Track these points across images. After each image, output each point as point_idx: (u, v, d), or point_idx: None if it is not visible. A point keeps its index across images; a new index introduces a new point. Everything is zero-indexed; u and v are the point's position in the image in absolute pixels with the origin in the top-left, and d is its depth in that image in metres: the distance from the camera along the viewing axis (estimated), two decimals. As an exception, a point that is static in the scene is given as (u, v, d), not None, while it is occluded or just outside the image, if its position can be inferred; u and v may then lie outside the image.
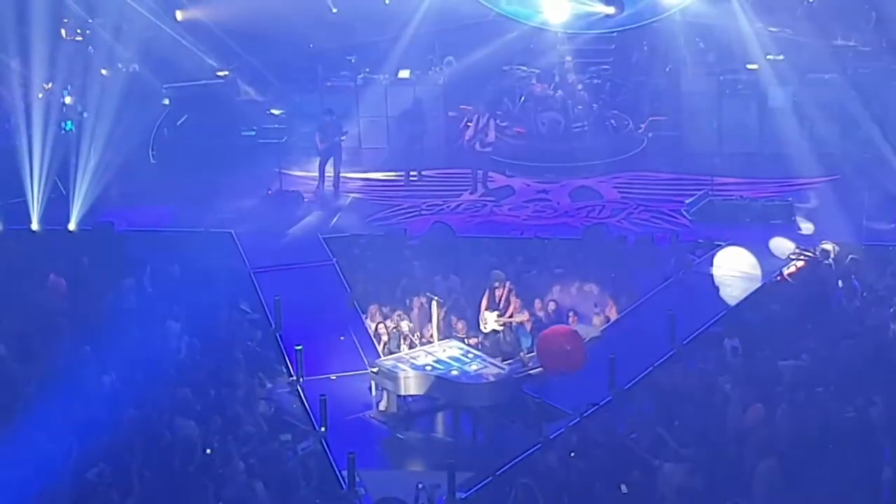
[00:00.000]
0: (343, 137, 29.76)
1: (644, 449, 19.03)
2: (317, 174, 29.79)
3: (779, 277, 24.55)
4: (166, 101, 31.63)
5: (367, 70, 32.30)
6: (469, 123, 30.13)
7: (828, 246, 24.95)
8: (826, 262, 24.41)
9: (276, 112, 31.85)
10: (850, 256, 24.26)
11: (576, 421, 20.48)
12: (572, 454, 18.96)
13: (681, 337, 22.77)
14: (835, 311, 22.72)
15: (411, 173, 30.36)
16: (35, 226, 27.66)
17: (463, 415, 21.34)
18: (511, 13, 32.00)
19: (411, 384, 21.13)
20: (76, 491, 18.52)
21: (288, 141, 31.53)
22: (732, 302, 23.90)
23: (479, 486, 19.48)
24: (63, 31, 32.03)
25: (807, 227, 26.46)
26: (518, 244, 26.64)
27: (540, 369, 21.65)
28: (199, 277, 24.45)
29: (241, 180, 29.62)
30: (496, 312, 23.19)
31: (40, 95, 30.63)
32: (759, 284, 24.39)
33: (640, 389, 21.55)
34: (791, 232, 26.61)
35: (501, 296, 23.36)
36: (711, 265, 25.38)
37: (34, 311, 23.51)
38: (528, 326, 23.26)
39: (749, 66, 30.90)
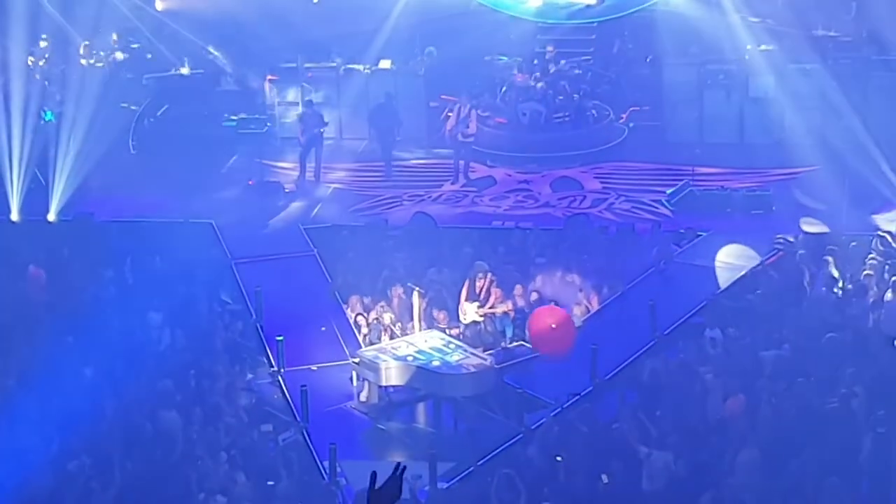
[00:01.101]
0: (324, 129, 29.74)
1: (627, 438, 19.04)
2: (298, 165, 29.77)
3: (760, 267, 24.57)
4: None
5: (349, 60, 32.24)
6: (450, 114, 30.11)
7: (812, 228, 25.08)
8: (802, 251, 24.44)
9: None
10: (829, 246, 24.31)
11: (557, 411, 20.50)
12: (559, 458, 18.90)
13: (662, 327, 22.80)
14: (815, 301, 22.75)
15: (391, 161, 30.27)
16: (14, 216, 27.56)
17: (444, 405, 21.36)
18: (492, 3, 31.97)
19: (392, 375, 21.11)
20: (57, 483, 18.50)
21: (269, 131, 31.46)
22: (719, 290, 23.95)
23: (460, 476, 19.51)
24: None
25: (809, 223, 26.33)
26: (499, 234, 26.62)
27: (521, 360, 21.66)
28: (179, 268, 24.40)
29: (222, 171, 29.56)
30: (476, 303, 23.19)
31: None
32: (741, 274, 24.41)
33: (621, 379, 21.58)
34: (771, 222, 26.67)
35: (483, 287, 23.37)
36: (693, 255, 25.42)
37: (13, 302, 23.43)
38: (511, 316, 23.26)
39: (744, 54, 30.87)
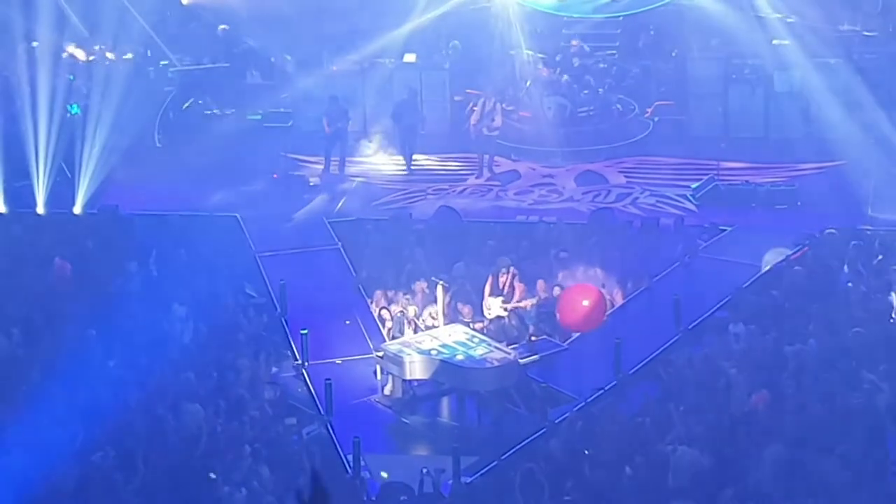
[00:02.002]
0: (349, 123, 29.77)
1: (651, 433, 19.02)
2: (322, 158, 29.83)
3: (785, 262, 24.49)
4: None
5: (374, 54, 32.21)
6: (474, 108, 30.07)
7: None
8: (827, 246, 24.37)
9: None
10: (854, 242, 24.25)
11: (581, 405, 20.49)
12: (587, 451, 18.90)
13: (686, 322, 22.76)
14: (841, 296, 22.68)
15: (413, 158, 30.17)
16: (41, 209, 27.66)
17: (468, 399, 21.37)
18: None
19: (417, 368, 21.13)
20: (81, 474, 18.55)
21: (294, 125, 31.48)
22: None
23: (483, 470, 19.51)
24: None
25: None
26: (523, 229, 26.61)
27: (545, 354, 21.65)
28: (204, 261, 24.46)
29: (247, 164, 29.60)
30: (500, 298, 23.18)
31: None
32: (766, 269, 24.33)
33: (645, 374, 21.56)
34: (796, 217, 26.61)
35: (505, 282, 23.36)
36: (717, 250, 25.36)
37: (39, 294, 23.52)
38: (534, 311, 23.23)
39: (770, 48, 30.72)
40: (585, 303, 21.42)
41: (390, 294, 23.65)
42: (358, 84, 31.84)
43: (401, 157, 30.23)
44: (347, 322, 23.37)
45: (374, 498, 19.14)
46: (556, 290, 23.43)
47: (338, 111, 29.71)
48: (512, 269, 23.53)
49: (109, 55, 31.54)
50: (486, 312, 23.11)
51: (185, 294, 23.15)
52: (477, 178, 29.56)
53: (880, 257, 23.74)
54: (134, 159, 29.29)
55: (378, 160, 30.49)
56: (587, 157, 30.33)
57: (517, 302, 23.26)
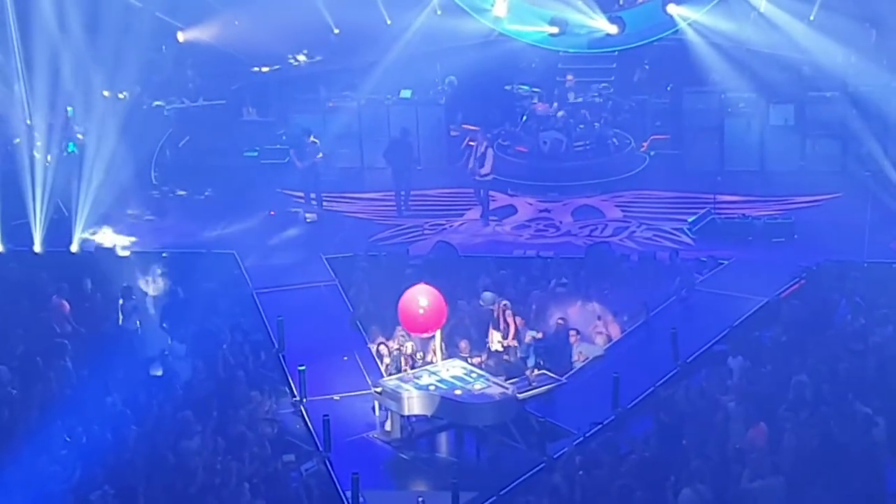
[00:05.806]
0: (320, 156, 29.75)
1: (649, 467, 18.99)
2: (315, 195, 29.91)
3: (782, 295, 24.52)
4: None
5: (370, 90, 32.30)
6: (471, 142, 30.07)
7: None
8: (824, 279, 24.41)
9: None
10: (851, 275, 24.28)
11: (579, 440, 20.48)
12: (581, 472, 18.90)
13: (684, 355, 22.76)
14: (838, 329, 22.69)
15: (409, 195, 30.15)
16: (38, 247, 27.69)
17: (467, 434, 21.35)
18: (512, 32, 32.08)
19: (415, 404, 21.11)
20: (80, 513, 18.53)
21: (290, 161, 31.54)
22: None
23: (483, 505, 19.49)
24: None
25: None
26: (521, 263, 26.62)
27: (544, 388, 21.64)
28: (201, 298, 24.49)
29: (244, 201, 29.65)
30: (500, 333, 23.18)
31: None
32: (763, 302, 24.36)
33: (643, 408, 21.54)
34: (793, 250, 26.64)
35: (498, 316, 23.35)
36: (715, 284, 25.38)
37: (37, 332, 23.52)
38: (532, 345, 23.22)
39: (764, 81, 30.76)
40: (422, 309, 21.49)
41: (388, 330, 23.63)
42: (354, 120, 31.94)
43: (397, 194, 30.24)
44: (345, 358, 23.35)
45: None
46: (554, 325, 23.46)
47: (311, 146, 29.73)
48: (503, 303, 23.51)
49: (105, 93, 31.61)
50: (489, 344, 23.12)
51: (183, 331, 23.17)
52: (474, 213, 29.58)
53: (877, 289, 23.75)
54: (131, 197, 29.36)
55: (375, 196, 30.55)
56: (583, 191, 30.42)
57: (513, 337, 23.26)
